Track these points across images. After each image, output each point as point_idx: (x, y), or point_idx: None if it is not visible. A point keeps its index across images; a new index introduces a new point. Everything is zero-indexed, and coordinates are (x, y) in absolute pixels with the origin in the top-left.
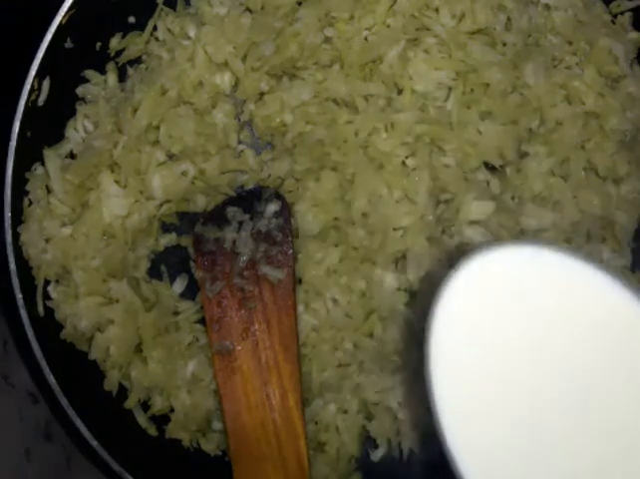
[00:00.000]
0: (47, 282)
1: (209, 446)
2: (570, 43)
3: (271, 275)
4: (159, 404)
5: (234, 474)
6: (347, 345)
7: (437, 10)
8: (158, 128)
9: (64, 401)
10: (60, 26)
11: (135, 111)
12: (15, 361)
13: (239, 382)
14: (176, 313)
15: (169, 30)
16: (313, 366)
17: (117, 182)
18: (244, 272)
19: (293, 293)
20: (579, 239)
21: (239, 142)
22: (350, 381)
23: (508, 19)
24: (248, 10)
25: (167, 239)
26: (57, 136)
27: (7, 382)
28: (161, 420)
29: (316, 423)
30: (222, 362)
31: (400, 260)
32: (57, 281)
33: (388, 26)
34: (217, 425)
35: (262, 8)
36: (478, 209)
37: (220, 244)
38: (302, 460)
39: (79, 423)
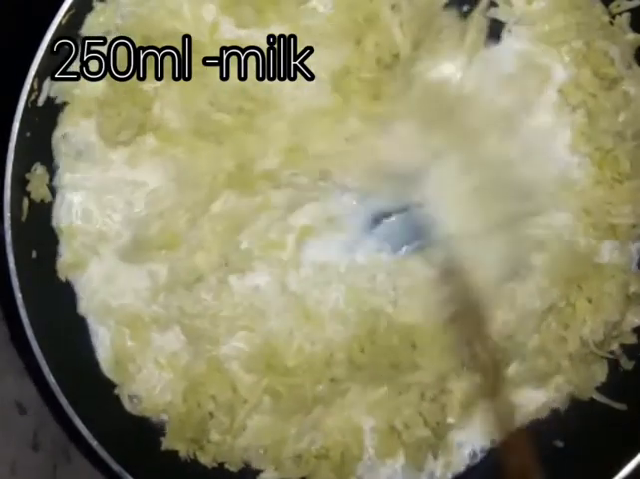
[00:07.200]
0: None
1: (206, 458)
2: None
3: None
4: None
5: None
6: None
7: None
8: None
9: (63, 401)
10: (60, 26)
11: None
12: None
13: None
14: None
15: None
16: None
17: None
18: None
19: None
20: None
21: None
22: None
23: None
24: None
25: None
26: None
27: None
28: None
29: (319, 428)
30: None
31: None
32: None
33: None
34: (215, 436)
35: None
36: None
37: None
38: None
39: (77, 423)
